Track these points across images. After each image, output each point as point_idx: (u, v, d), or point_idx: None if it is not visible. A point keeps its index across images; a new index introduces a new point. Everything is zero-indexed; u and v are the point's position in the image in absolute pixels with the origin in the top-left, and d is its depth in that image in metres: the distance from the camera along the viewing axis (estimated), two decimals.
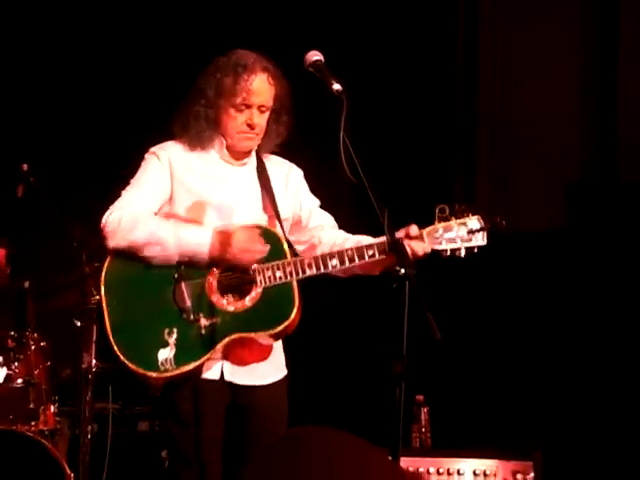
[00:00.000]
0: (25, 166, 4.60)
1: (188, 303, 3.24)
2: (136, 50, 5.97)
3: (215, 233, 3.29)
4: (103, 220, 3.31)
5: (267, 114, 3.42)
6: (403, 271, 2.67)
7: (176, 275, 3.27)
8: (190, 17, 6.02)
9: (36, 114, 5.91)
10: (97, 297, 3.66)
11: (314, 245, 3.47)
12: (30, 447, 4.32)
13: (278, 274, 3.25)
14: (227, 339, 3.25)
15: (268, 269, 3.26)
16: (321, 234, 3.49)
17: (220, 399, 3.36)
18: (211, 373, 3.34)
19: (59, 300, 4.86)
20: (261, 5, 5.90)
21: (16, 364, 4.54)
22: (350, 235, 3.46)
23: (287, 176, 3.56)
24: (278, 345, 3.48)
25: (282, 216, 3.46)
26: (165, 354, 3.22)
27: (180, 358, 3.23)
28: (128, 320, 3.28)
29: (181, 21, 6.02)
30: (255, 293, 3.27)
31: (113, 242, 3.29)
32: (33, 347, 4.59)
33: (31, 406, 4.53)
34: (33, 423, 4.50)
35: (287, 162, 3.60)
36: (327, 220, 3.55)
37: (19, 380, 4.54)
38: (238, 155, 3.48)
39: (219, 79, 3.37)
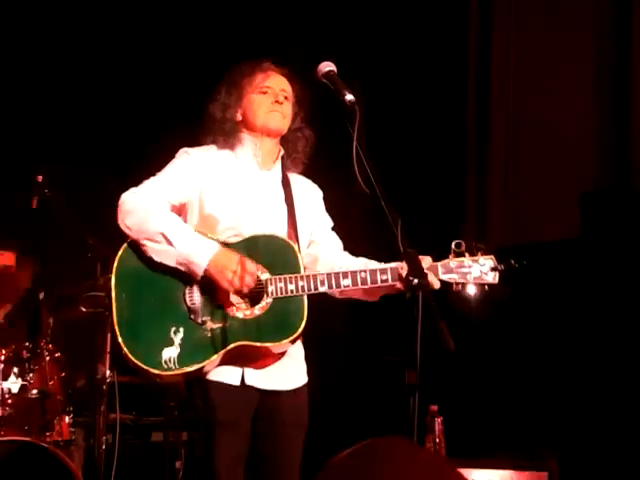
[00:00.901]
0: (40, 177, 4.63)
1: (197, 304, 3.24)
2: (155, 64, 6.02)
3: (219, 252, 3.24)
4: (122, 198, 3.31)
5: (290, 106, 3.46)
6: (416, 281, 2.67)
7: None
8: (204, 29, 6.06)
9: (50, 125, 5.94)
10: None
11: (316, 259, 3.47)
12: (45, 458, 4.32)
13: (290, 287, 3.25)
14: (232, 345, 3.23)
15: (281, 280, 3.25)
16: (325, 251, 3.49)
17: (242, 407, 3.32)
18: (231, 378, 3.31)
19: (74, 311, 4.88)
20: (278, 16, 5.95)
21: (31, 375, 4.55)
22: (354, 258, 3.46)
23: (309, 192, 3.59)
24: (300, 352, 3.47)
25: (300, 231, 3.45)
26: (170, 353, 3.21)
27: (184, 359, 3.22)
28: (136, 314, 3.26)
29: (196, 35, 6.06)
30: (265, 303, 3.26)
31: (128, 221, 3.28)
32: (48, 358, 4.60)
33: (46, 417, 4.54)
34: (48, 434, 4.52)
35: (310, 181, 3.62)
36: (335, 241, 3.57)
37: (34, 391, 4.55)
38: (266, 156, 3.48)
39: (236, 79, 3.46)
